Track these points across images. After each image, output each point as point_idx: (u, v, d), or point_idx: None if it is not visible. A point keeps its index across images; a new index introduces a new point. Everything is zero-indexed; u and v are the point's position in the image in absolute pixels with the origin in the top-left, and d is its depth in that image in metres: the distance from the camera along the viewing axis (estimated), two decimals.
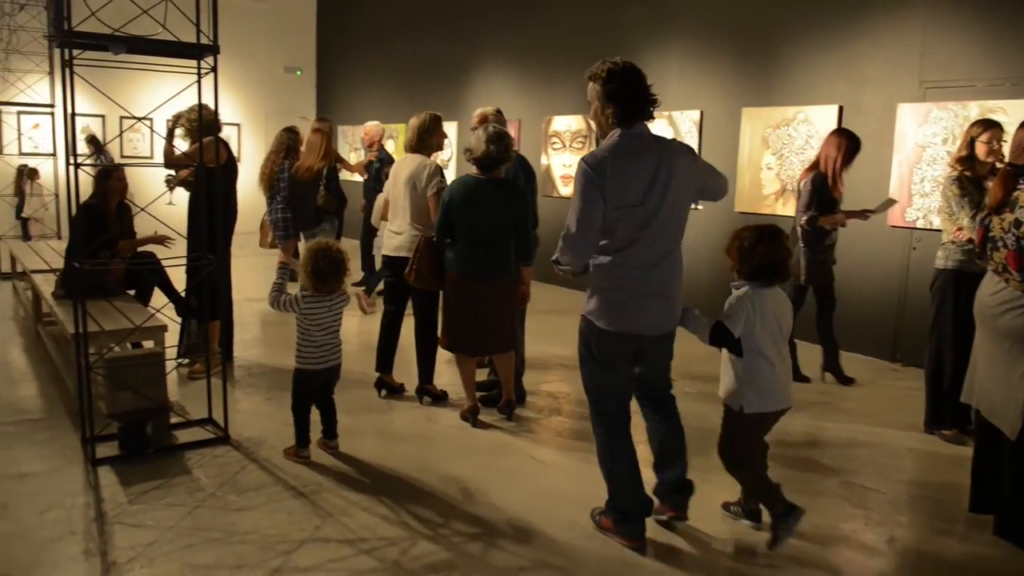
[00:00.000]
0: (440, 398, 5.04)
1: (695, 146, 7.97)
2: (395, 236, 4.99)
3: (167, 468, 3.91)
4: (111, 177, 5.70)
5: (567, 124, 9.51)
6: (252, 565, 3.02)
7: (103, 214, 5.59)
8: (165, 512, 3.44)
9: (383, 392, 5.13)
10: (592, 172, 3.05)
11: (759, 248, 3.22)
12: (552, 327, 7.25)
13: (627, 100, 3.15)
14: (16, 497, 3.56)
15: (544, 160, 9.75)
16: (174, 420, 4.33)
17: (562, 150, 9.61)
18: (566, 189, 9.56)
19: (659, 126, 8.30)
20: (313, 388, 4.05)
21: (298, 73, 15.11)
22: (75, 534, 3.24)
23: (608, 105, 3.17)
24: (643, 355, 3.25)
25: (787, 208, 7.17)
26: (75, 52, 3.78)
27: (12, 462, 3.95)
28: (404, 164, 4.99)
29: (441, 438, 4.48)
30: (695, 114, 7.96)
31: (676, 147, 3.22)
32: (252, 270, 10.35)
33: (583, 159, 3.12)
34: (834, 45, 6.83)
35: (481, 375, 5.20)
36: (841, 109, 6.75)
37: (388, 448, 4.18)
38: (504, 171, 4.55)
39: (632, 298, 3.12)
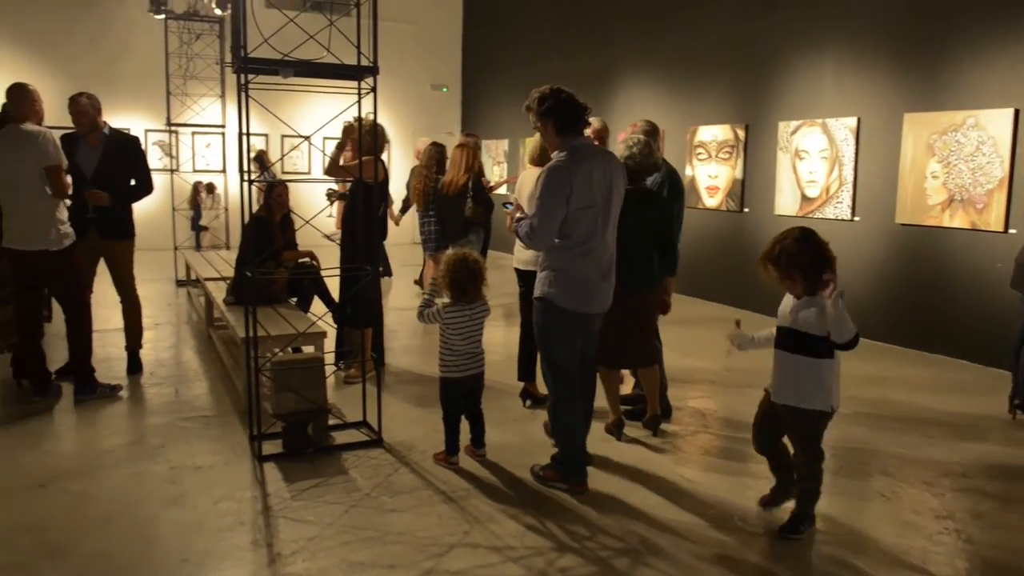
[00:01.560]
0: None
1: (851, 155, 7.60)
2: (523, 250, 5.04)
3: (326, 467, 4.12)
4: (276, 191, 6.09)
5: (713, 134, 9.31)
6: (405, 565, 3.12)
7: (269, 226, 5.97)
8: (324, 509, 3.62)
9: (528, 402, 5.19)
10: (560, 179, 3.64)
11: (807, 254, 3.27)
12: (695, 340, 7.10)
13: (561, 112, 3.75)
14: (193, 487, 3.85)
15: (688, 171, 9.58)
16: (332, 422, 4.55)
17: (708, 160, 9.41)
18: (712, 200, 9.35)
19: (812, 134, 7.97)
20: (459, 396, 4.14)
21: (444, 90, 15.60)
22: (244, 525, 3.46)
23: (548, 122, 3.77)
24: (586, 329, 3.88)
25: (954, 220, 6.70)
26: (249, 76, 4.07)
27: (189, 455, 4.28)
28: (527, 179, 5.03)
29: None
30: (851, 121, 7.58)
31: (617, 163, 3.90)
32: (396, 280, 10.75)
33: (550, 167, 3.70)
34: (1007, 42, 6.33)
35: (625, 389, 5.15)
36: (1017, 113, 6.24)
37: (533, 458, 4.21)
38: (652, 182, 4.52)
39: (587, 283, 3.75)
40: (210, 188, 12.70)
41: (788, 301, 3.40)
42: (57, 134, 5.08)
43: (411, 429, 4.72)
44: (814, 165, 8.02)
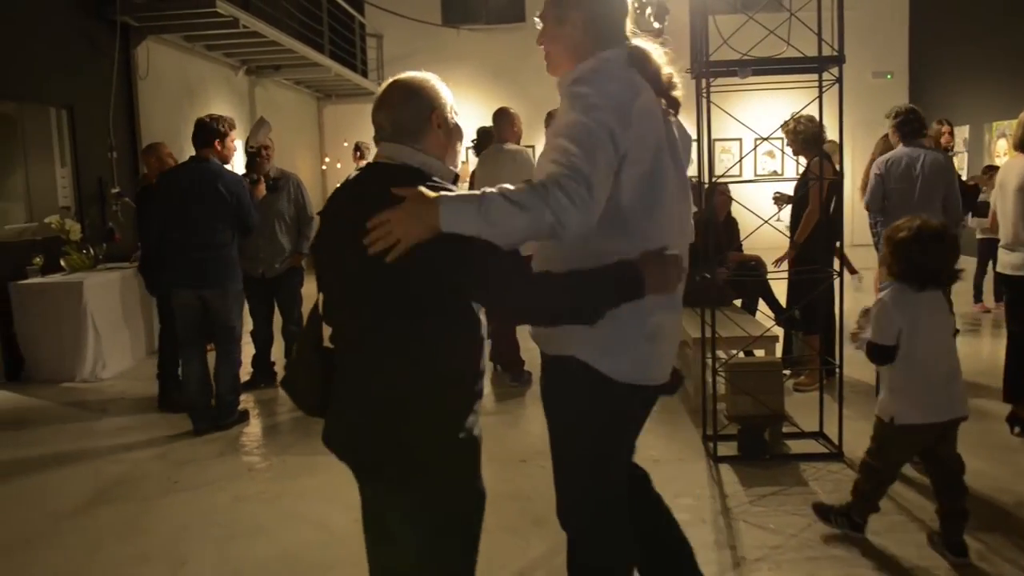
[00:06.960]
0: None
1: None
2: (1008, 253, 4.45)
3: (782, 476, 3.99)
4: (716, 192, 6.09)
5: None
6: None
7: (714, 228, 6.00)
8: (785, 519, 3.50)
9: (1016, 429, 4.45)
10: None
11: (913, 248, 2.99)
12: None
13: None
14: (653, 478, 3.99)
15: None
16: (786, 430, 4.40)
17: None
18: None
19: None
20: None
21: (888, 77, 14.33)
22: (705, 523, 3.50)
23: None
24: None
25: None
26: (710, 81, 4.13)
27: (647, 446, 4.40)
28: (1011, 169, 4.39)
29: None
30: None
31: None
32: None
33: None
34: None
35: None
36: None
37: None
38: None
39: None
40: None
41: None
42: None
43: None
44: None
